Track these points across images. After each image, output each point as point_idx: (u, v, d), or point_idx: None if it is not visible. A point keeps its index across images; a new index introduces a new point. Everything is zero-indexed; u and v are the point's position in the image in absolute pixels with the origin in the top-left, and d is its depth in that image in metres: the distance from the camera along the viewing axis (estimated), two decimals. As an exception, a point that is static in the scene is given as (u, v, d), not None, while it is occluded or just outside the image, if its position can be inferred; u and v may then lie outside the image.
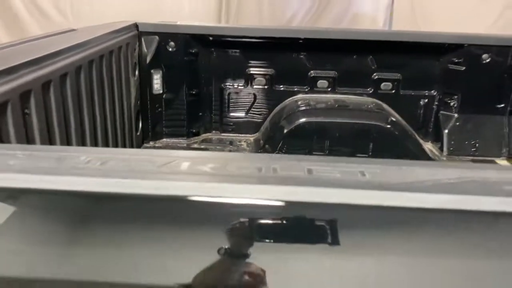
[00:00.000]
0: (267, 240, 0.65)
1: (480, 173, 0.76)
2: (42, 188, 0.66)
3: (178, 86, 2.83)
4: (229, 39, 2.79)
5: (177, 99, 2.86)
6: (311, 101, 2.75)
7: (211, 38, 2.79)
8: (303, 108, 2.69)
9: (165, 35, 2.73)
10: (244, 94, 2.93)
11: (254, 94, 2.93)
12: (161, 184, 0.66)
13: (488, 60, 2.68)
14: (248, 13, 7.22)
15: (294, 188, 0.63)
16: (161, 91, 2.82)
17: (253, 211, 0.64)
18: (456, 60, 2.74)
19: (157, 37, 2.71)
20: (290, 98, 2.85)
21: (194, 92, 2.89)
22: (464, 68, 2.72)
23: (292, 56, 2.84)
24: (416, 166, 0.75)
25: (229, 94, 2.94)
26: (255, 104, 2.95)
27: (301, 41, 2.77)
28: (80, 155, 0.77)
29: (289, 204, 0.62)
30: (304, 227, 0.63)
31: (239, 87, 2.92)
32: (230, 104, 2.96)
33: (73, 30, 2.18)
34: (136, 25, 2.64)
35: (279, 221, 0.65)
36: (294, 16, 7.71)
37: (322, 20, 7.46)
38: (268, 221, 0.65)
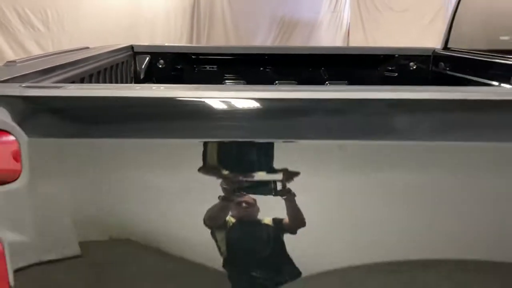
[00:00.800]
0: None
1: None
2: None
3: None
4: (208, 57, 3.42)
5: None
6: None
7: (193, 57, 3.41)
8: None
9: (156, 54, 3.33)
10: None
11: None
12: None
13: (414, 67, 3.37)
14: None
15: (285, 92, 1.23)
16: None
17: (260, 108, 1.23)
18: (390, 68, 3.42)
19: (149, 56, 3.30)
20: None
21: None
22: (396, 74, 3.41)
23: (260, 69, 3.47)
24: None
25: None
26: None
27: (266, 57, 3.42)
28: None
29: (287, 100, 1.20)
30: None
31: None
32: None
33: (87, 47, 2.74)
34: (131, 47, 3.23)
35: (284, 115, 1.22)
36: (259, 48, 8.45)
37: (284, 50, 8.22)
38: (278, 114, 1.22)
